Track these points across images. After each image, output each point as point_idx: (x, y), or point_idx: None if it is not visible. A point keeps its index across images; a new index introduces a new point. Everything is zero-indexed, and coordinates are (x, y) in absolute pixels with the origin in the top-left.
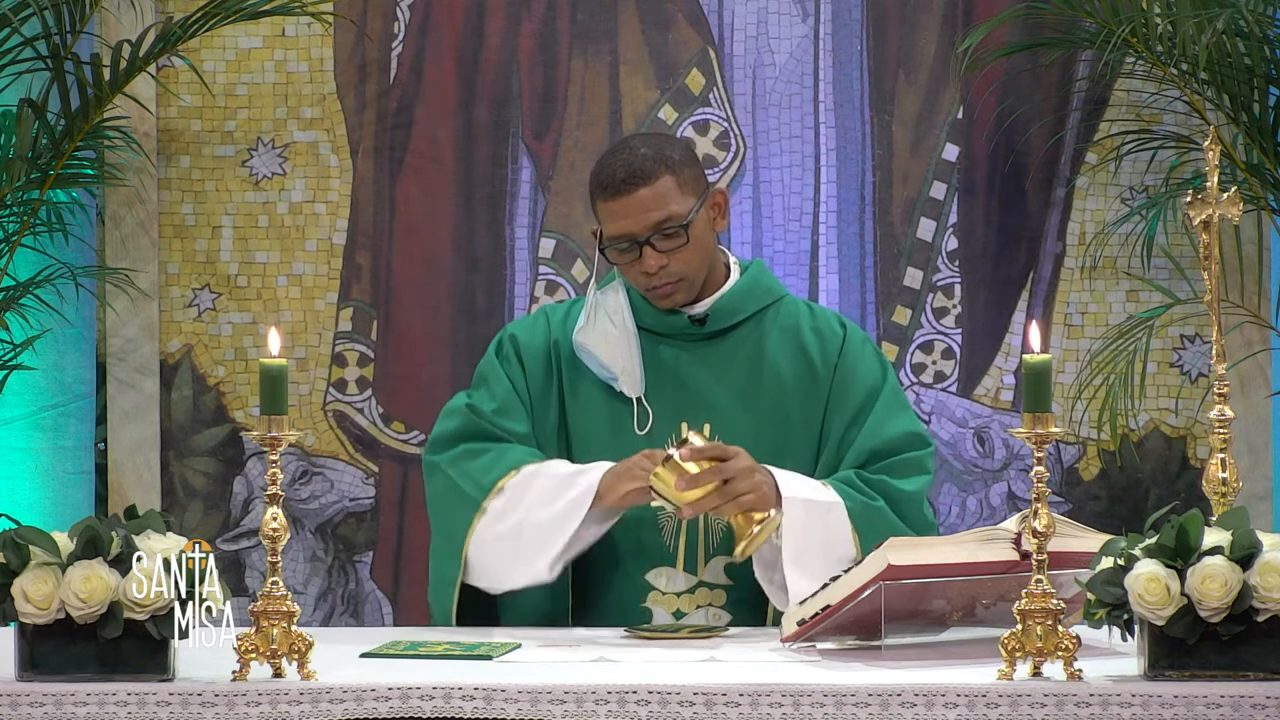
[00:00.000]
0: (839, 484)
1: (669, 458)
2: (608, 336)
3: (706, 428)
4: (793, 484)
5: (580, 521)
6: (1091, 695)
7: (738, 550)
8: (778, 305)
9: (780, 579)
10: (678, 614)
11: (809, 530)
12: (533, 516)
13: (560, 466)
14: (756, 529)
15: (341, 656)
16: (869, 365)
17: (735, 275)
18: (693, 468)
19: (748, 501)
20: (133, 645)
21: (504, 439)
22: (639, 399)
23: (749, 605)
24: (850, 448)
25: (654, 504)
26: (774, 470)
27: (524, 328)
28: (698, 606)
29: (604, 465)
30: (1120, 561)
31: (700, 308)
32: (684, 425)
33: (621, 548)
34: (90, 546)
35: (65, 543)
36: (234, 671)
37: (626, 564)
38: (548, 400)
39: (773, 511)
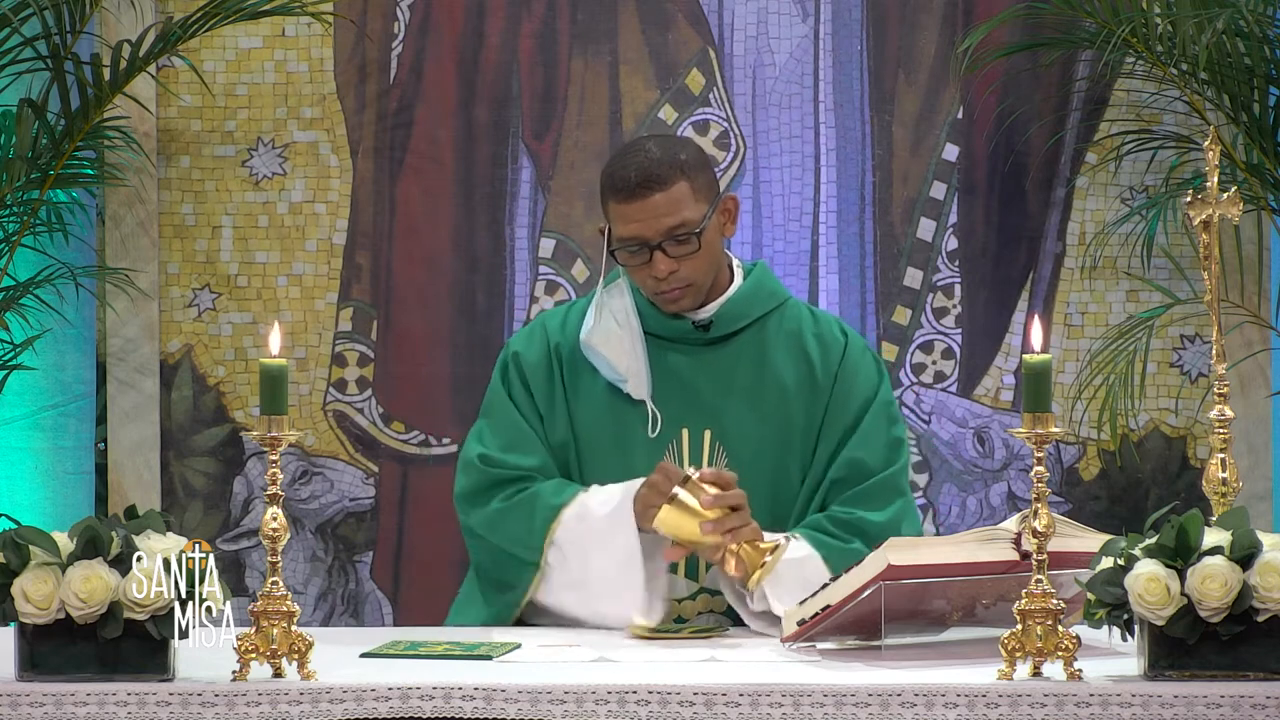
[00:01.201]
0: (810, 533)
1: (673, 497)
2: (612, 337)
3: (706, 434)
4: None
5: (640, 568)
6: (1091, 695)
7: (752, 581)
8: (781, 309)
9: (759, 609)
10: (679, 619)
11: (792, 587)
12: (594, 568)
13: (596, 506)
14: (769, 558)
15: (341, 656)
16: (867, 376)
17: (739, 279)
18: (692, 501)
19: (746, 533)
20: (133, 645)
21: (523, 478)
22: (649, 402)
23: None
24: (837, 458)
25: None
26: None
27: (522, 342)
28: (699, 613)
29: (630, 499)
30: (1120, 561)
31: (704, 313)
32: (691, 468)
33: None
34: (90, 546)
35: (65, 543)
36: (234, 671)
37: None
38: (554, 409)
39: (783, 539)
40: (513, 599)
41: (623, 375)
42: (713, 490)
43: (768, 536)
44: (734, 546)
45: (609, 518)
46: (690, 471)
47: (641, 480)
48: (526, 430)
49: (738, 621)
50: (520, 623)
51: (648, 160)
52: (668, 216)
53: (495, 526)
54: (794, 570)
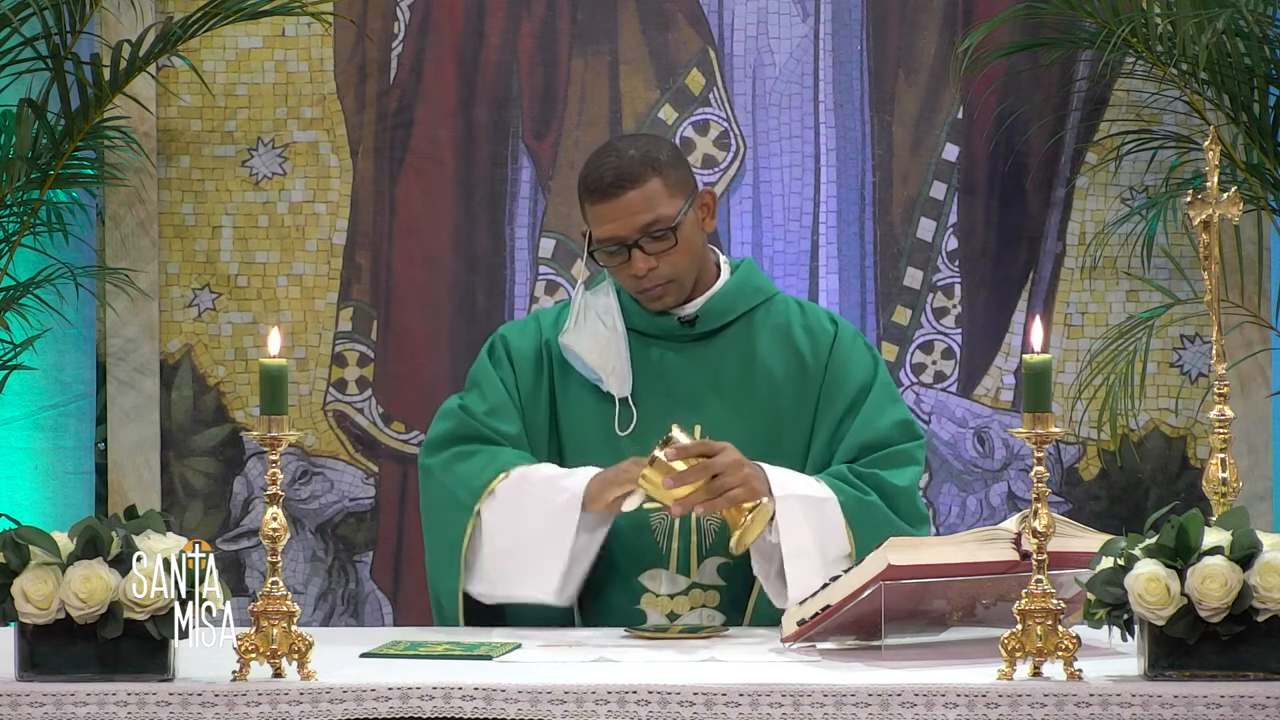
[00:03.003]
0: (831, 479)
1: (655, 459)
2: (597, 337)
3: (697, 429)
4: (785, 480)
5: (573, 532)
6: (1091, 695)
7: (733, 543)
8: (768, 304)
9: (778, 573)
10: (671, 616)
11: (806, 525)
12: (528, 525)
13: (548, 469)
14: (749, 518)
15: (341, 656)
16: (861, 360)
17: (725, 275)
18: (680, 466)
19: (737, 495)
20: (133, 645)
21: (495, 440)
22: (624, 399)
23: (742, 606)
24: (842, 441)
25: (647, 505)
26: (765, 466)
27: (515, 330)
28: (691, 608)
29: (590, 471)
30: (1120, 561)
31: (690, 309)
32: (674, 426)
33: (614, 551)
34: (90, 546)
35: (65, 543)
36: (234, 671)
37: (620, 567)
38: (537, 402)
39: (764, 500)
40: (451, 553)
41: (599, 374)
42: (687, 463)
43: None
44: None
45: (554, 479)
46: (657, 451)
47: (604, 468)
48: (509, 402)
49: (731, 619)
50: (498, 615)
51: (620, 160)
52: (642, 214)
53: (449, 467)
54: (814, 509)
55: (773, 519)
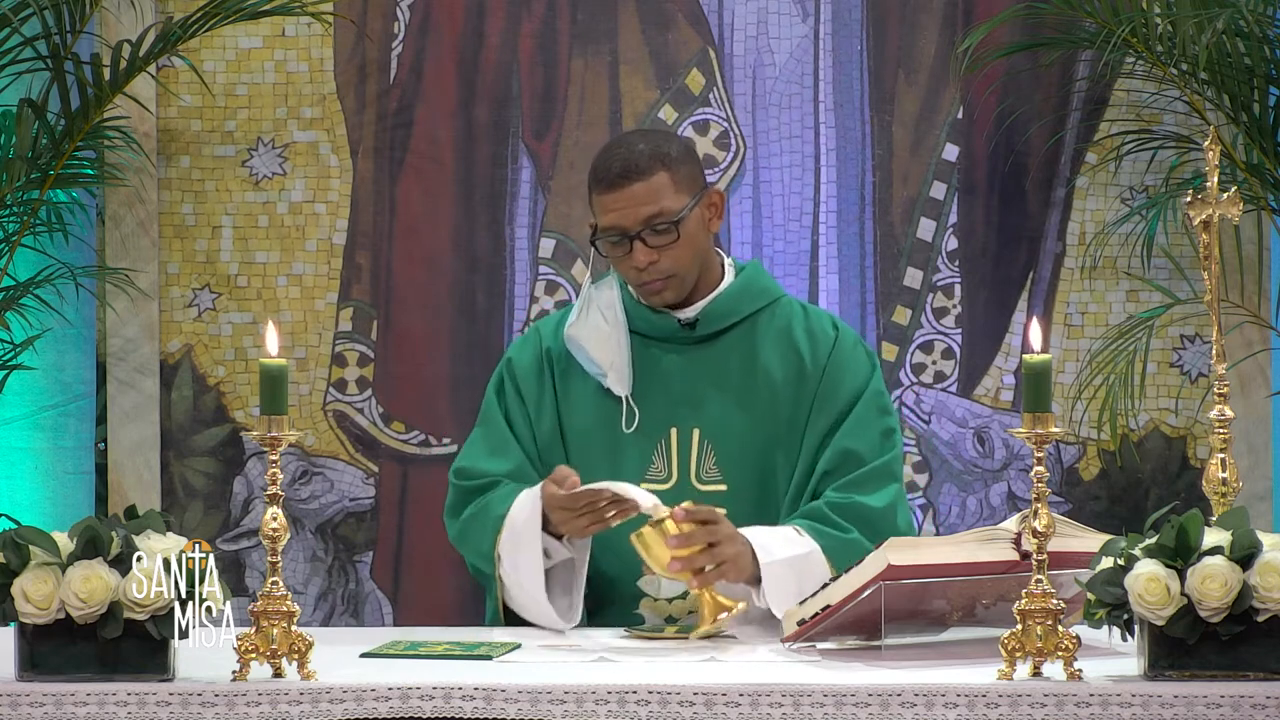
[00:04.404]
0: (810, 524)
1: (659, 521)
2: (599, 332)
3: (695, 433)
4: (770, 546)
5: (540, 557)
6: (1091, 695)
7: (695, 634)
8: (772, 307)
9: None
10: (669, 619)
11: (794, 589)
12: (525, 574)
13: (517, 513)
14: (723, 616)
15: (341, 656)
16: (858, 368)
17: (729, 277)
18: (674, 529)
19: (729, 566)
20: (133, 645)
21: (488, 486)
22: (626, 397)
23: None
24: (826, 449)
25: (645, 509)
26: (749, 535)
27: (517, 349)
28: (690, 612)
29: (537, 506)
30: (1120, 561)
31: (691, 311)
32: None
33: (612, 556)
34: (90, 546)
35: (65, 543)
36: (234, 671)
37: (617, 573)
38: (543, 410)
39: (740, 604)
40: (492, 604)
41: (603, 369)
42: (685, 528)
43: (738, 590)
44: (697, 591)
45: (524, 526)
46: (679, 509)
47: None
48: (508, 436)
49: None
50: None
51: (630, 152)
52: (646, 206)
53: (463, 541)
54: (800, 567)
55: (759, 583)
